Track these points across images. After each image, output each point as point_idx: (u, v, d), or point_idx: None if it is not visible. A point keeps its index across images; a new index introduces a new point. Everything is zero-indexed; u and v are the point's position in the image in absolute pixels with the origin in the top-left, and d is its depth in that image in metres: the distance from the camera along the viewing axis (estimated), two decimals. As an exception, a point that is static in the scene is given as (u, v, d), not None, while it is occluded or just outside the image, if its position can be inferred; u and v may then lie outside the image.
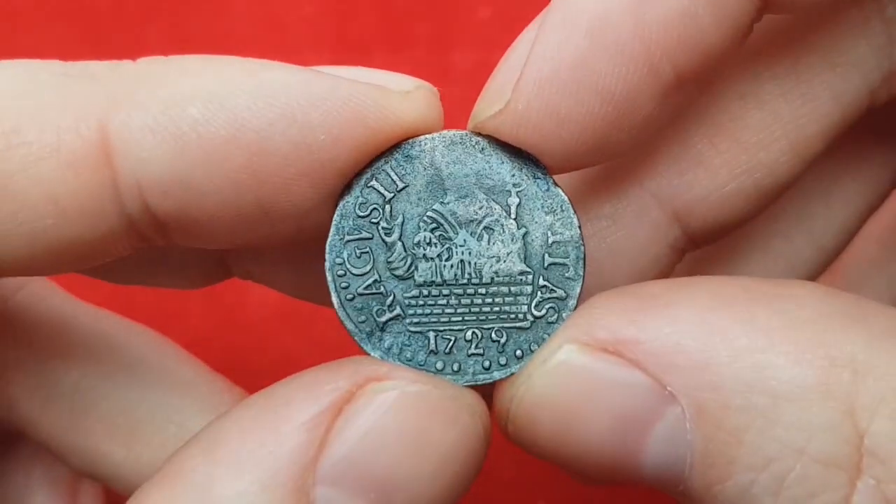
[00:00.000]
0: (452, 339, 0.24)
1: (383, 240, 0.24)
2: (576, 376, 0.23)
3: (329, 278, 0.24)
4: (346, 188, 0.24)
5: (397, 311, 0.24)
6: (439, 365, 0.24)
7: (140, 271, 0.30)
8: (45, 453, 0.32)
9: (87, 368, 0.31)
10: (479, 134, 0.24)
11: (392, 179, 0.24)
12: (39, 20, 0.47)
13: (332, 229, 0.24)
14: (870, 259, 0.35)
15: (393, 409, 0.22)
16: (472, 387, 0.24)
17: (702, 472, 0.22)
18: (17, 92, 0.23)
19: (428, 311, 0.24)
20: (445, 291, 0.24)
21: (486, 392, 0.24)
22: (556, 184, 0.24)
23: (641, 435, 0.22)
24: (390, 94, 0.23)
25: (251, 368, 0.43)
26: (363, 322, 0.24)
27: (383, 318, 0.24)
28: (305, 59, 0.46)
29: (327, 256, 0.24)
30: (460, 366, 0.24)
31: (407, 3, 0.46)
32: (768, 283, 0.23)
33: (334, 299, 0.24)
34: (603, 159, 0.25)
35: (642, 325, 0.22)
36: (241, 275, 0.31)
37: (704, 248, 0.30)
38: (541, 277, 0.24)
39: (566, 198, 0.24)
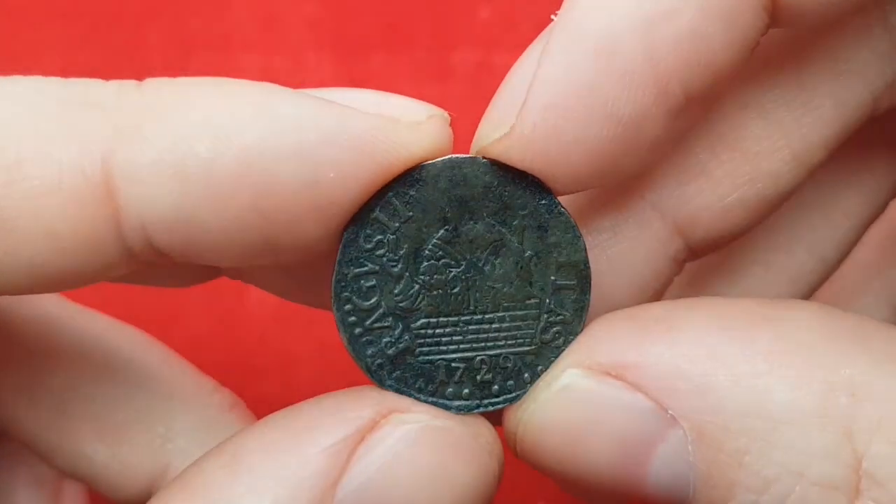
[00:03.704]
0: (462, 367, 0.24)
1: (389, 272, 0.24)
2: (579, 400, 0.23)
3: (336, 315, 0.24)
4: (351, 220, 0.24)
5: (406, 342, 0.24)
6: (449, 394, 0.24)
7: (130, 274, 0.30)
8: (29, 454, 0.32)
9: (73, 369, 0.31)
10: (484, 158, 0.24)
11: (396, 209, 0.24)
12: (39, 20, 0.47)
13: (337, 264, 0.24)
14: (867, 266, 0.35)
15: (415, 442, 0.23)
16: (482, 413, 0.24)
17: (705, 493, 0.22)
18: (18, 120, 0.22)
19: (437, 340, 0.24)
20: (453, 320, 0.24)
21: (497, 419, 0.25)
22: (562, 207, 0.24)
23: (645, 457, 0.22)
24: (401, 128, 0.23)
25: (251, 368, 0.43)
26: (373, 356, 0.24)
27: (392, 351, 0.24)
28: (305, 59, 0.46)
29: (334, 292, 0.24)
30: (470, 392, 0.24)
31: (407, 3, 0.46)
32: (770, 306, 0.23)
33: (342, 335, 0.24)
34: (611, 181, 0.25)
35: (644, 350, 0.22)
36: (231, 275, 0.30)
37: (706, 262, 0.29)
38: (547, 301, 0.24)
39: (572, 221, 0.24)
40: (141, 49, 0.46)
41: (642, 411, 0.22)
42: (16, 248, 0.22)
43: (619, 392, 0.22)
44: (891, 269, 0.35)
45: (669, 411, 0.22)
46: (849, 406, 0.21)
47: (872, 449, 0.21)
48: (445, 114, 0.24)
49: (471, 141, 0.25)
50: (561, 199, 0.24)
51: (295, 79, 0.23)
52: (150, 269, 0.26)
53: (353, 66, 0.46)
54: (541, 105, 0.23)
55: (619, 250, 0.27)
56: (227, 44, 0.46)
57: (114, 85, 0.23)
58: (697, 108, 0.24)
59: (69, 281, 0.23)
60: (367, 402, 0.23)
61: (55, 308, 0.32)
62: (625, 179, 0.25)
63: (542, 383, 0.24)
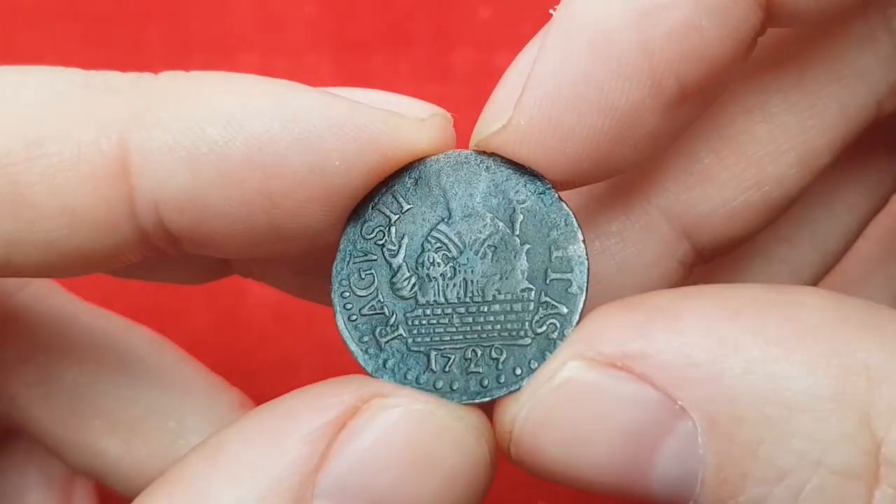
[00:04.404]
0: (451, 357, 0.24)
1: (387, 261, 0.24)
2: (583, 393, 0.22)
3: (334, 299, 0.24)
4: (354, 212, 0.24)
5: (399, 331, 0.24)
6: (438, 384, 0.24)
7: (143, 268, 0.30)
8: (40, 451, 0.32)
9: (86, 366, 0.31)
10: (484, 153, 0.24)
11: (398, 201, 0.24)
12: (39, 20, 0.47)
13: (339, 253, 0.24)
14: (869, 259, 0.35)
15: (397, 427, 0.22)
16: (472, 405, 0.24)
17: (714, 487, 0.21)
18: (41, 102, 0.23)
19: (430, 330, 0.24)
20: (448, 311, 0.24)
21: (489, 411, 0.24)
22: (560, 199, 0.24)
23: (651, 451, 0.22)
24: (406, 122, 0.23)
25: (251, 368, 0.43)
26: (365, 342, 0.24)
27: (385, 339, 0.24)
28: (305, 59, 0.46)
29: (333, 278, 0.24)
30: (458, 384, 0.24)
31: (407, 3, 0.46)
32: (777, 291, 0.23)
33: (338, 320, 0.24)
34: (608, 175, 0.25)
35: (650, 339, 0.22)
36: (242, 272, 0.31)
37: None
38: (542, 293, 0.24)
39: (571, 212, 0.24)
40: (141, 49, 0.46)
41: (649, 403, 0.22)
42: (33, 223, 0.22)
43: (624, 384, 0.22)
44: (892, 263, 0.35)
45: (679, 402, 0.21)
46: (866, 390, 0.21)
47: (891, 434, 0.20)
48: (448, 114, 0.25)
49: (471, 140, 0.25)
50: (564, 196, 0.25)
51: (295, 79, 0.24)
52: (162, 260, 0.27)
53: (352, 66, 0.46)
54: (537, 96, 0.23)
55: (626, 255, 0.27)
56: (227, 44, 0.46)
57: (132, 75, 0.24)
58: (694, 104, 0.24)
59: (83, 261, 0.23)
60: (348, 389, 0.23)
61: (70, 306, 0.32)
62: (621, 173, 0.25)
63: (541, 376, 0.23)
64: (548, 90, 0.23)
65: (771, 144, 0.27)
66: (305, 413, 0.22)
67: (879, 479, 0.20)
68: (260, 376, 0.43)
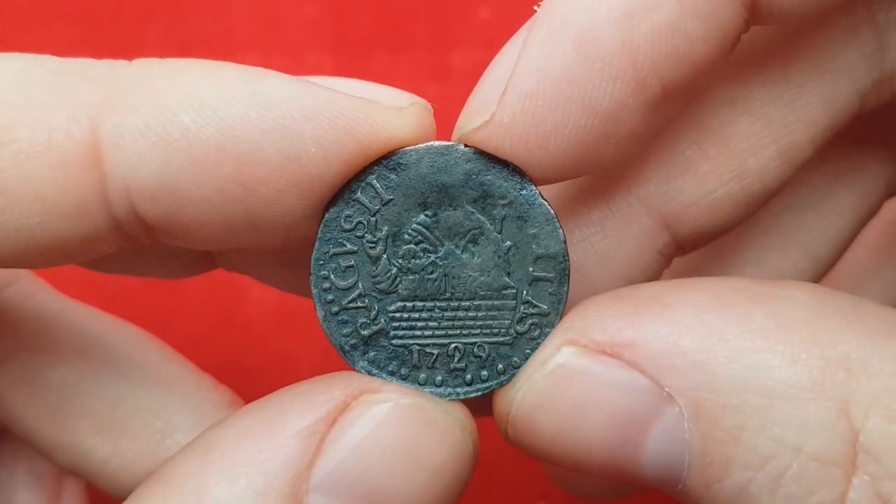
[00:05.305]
0: (435, 353, 0.24)
1: (368, 253, 0.24)
2: (575, 379, 0.23)
3: (314, 292, 0.24)
4: (332, 200, 0.24)
5: (381, 324, 0.24)
6: (422, 379, 0.24)
7: (124, 261, 0.30)
8: (29, 450, 0.32)
9: (72, 365, 0.31)
10: (465, 145, 0.24)
11: (377, 192, 0.24)
12: (39, 20, 0.47)
13: (318, 243, 0.24)
14: (863, 265, 0.35)
15: (386, 421, 0.23)
16: (455, 401, 0.24)
17: (700, 471, 0.22)
18: (12, 88, 0.23)
19: (412, 324, 0.24)
20: (429, 305, 0.24)
21: (473, 407, 0.25)
22: (542, 196, 0.24)
23: (640, 435, 0.22)
24: (383, 110, 0.23)
25: (251, 368, 0.43)
26: (347, 335, 0.24)
27: (367, 332, 0.24)
28: (305, 59, 0.46)
29: (312, 270, 0.24)
30: (443, 380, 0.24)
31: (407, 3, 0.46)
32: (765, 284, 0.23)
33: (319, 312, 0.24)
34: (589, 171, 0.25)
35: (640, 328, 0.22)
36: (226, 266, 0.31)
37: (699, 261, 0.29)
38: (524, 292, 0.24)
39: (552, 211, 0.24)
40: (140, 49, 0.46)
41: (638, 389, 0.22)
42: (4, 210, 0.22)
43: (615, 370, 0.22)
44: (888, 269, 0.35)
45: (666, 389, 0.22)
46: (845, 381, 0.21)
47: (868, 424, 0.21)
48: (428, 104, 0.24)
49: (453, 134, 0.25)
50: (545, 192, 0.25)
51: (295, 78, 0.24)
52: (140, 252, 0.27)
53: (352, 66, 0.46)
54: (521, 94, 0.23)
55: (606, 244, 0.27)
56: (227, 44, 0.46)
57: (106, 62, 0.24)
58: (676, 102, 0.24)
59: (57, 250, 0.23)
60: (337, 385, 0.23)
61: (55, 304, 0.32)
62: (603, 170, 0.25)
63: (535, 362, 0.24)
64: (531, 88, 0.23)
65: (753, 137, 0.27)
66: (297, 410, 0.23)
67: (857, 467, 0.21)
68: (260, 376, 0.43)
